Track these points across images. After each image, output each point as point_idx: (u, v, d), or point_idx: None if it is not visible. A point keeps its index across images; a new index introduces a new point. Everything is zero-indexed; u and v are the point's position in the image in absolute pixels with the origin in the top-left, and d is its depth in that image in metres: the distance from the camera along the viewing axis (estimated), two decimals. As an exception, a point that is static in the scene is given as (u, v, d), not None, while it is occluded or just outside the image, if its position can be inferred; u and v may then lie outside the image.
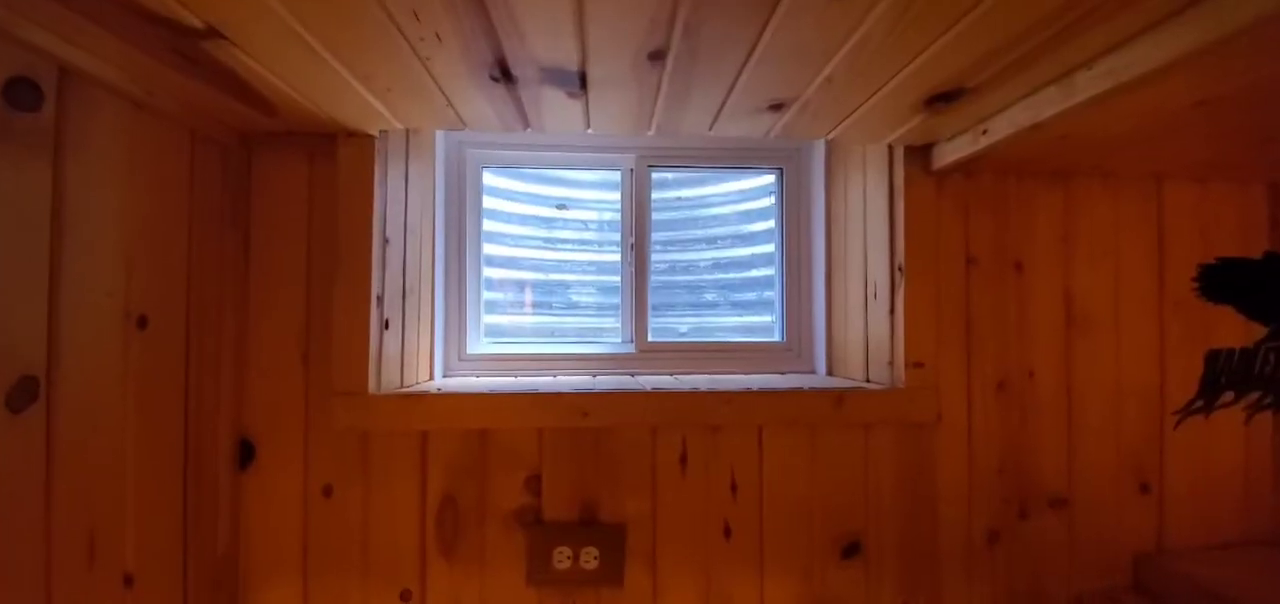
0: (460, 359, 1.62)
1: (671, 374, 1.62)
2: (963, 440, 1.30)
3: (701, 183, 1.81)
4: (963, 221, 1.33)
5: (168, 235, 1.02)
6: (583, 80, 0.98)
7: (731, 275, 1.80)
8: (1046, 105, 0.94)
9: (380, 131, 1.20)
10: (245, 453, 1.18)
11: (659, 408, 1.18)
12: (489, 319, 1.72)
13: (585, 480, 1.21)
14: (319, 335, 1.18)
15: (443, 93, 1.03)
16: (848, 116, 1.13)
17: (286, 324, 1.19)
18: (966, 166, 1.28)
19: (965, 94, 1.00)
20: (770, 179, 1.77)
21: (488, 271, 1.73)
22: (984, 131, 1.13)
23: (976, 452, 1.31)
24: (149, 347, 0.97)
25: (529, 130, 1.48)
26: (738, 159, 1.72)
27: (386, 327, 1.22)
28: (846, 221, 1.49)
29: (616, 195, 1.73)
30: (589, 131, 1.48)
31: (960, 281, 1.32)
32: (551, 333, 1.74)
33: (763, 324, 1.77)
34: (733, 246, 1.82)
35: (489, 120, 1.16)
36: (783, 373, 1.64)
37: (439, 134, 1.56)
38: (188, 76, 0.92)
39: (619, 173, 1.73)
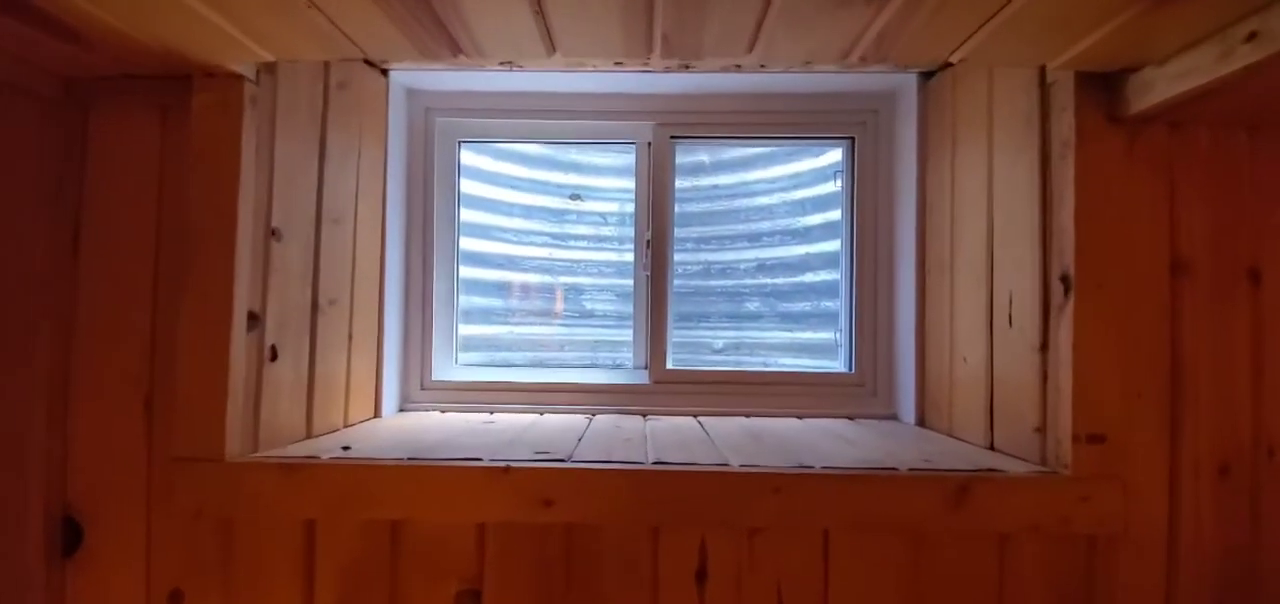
0: (424, 388, 1.20)
1: (695, 415, 1.15)
2: (1162, 559, 0.77)
3: (743, 167, 1.32)
4: (1166, 205, 0.78)
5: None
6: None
7: (780, 280, 1.30)
8: None
9: (257, 71, 0.77)
10: (70, 536, 0.78)
11: (665, 496, 0.71)
12: (480, 331, 1.29)
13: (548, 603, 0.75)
14: (167, 371, 0.77)
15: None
16: (999, 11, 0.62)
17: (125, 353, 0.78)
18: (1177, 113, 0.74)
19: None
20: (834, 157, 1.26)
21: (475, 273, 1.30)
22: (1251, 35, 0.59)
23: (1183, 578, 0.77)
24: None
25: (494, 69, 1.02)
26: (791, 126, 1.22)
27: (273, 356, 0.80)
28: (956, 206, 0.97)
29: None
30: (577, 73, 1.02)
31: (1162, 301, 0.78)
32: (561, 347, 1.30)
33: (820, 342, 1.26)
34: (782, 244, 1.32)
35: (399, 45, 0.72)
36: (851, 419, 1.13)
37: (396, 95, 1.14)
38: None
39: (633, 147, 1.26)
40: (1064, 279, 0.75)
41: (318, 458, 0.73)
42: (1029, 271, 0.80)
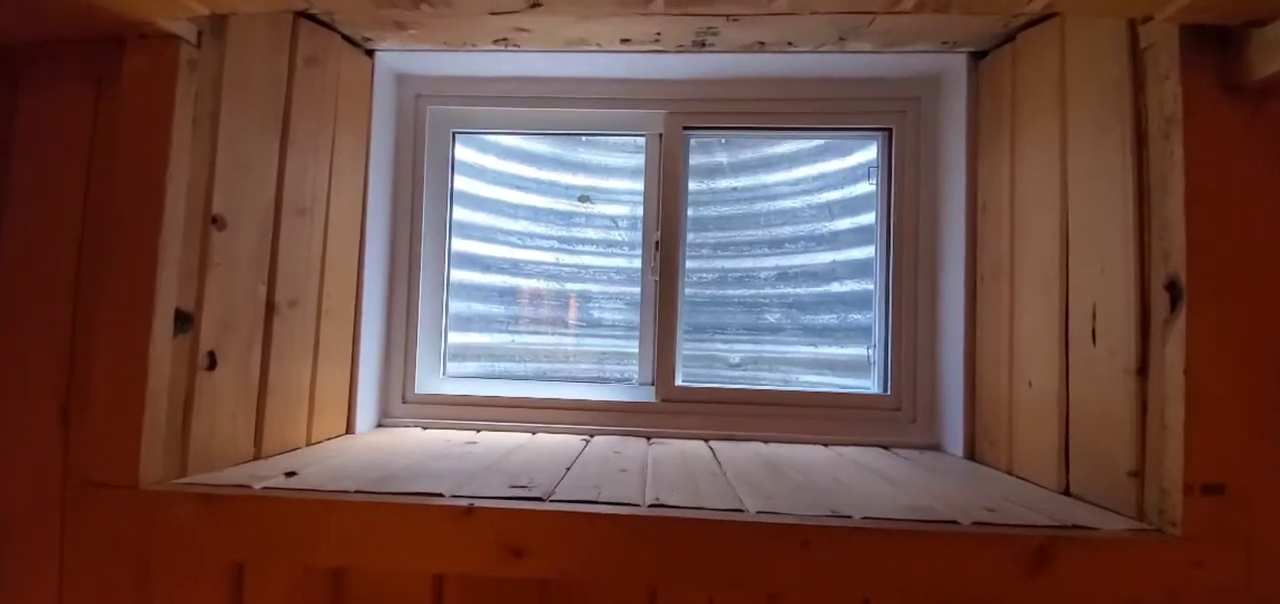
0: (406, 401, 1.07)
1: (707, 439, 1.00)
2: (1299, 644, 0.59)
3: (764, 168, 1.18)
4: (1299, 194, 0.62)
5: None
6: None
7: (803, 290, 1.16)
8: None
9: (199, 33, 0.66)
10: (-26, 567, 0.67)
11: (665, 547, 0.56)
12: (478, 339, 1.16)
13: (521, 672, 0.61)
14: (88, 377, 0.65)
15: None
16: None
17: (42, 355, 0.67)
18: (1317, 78, 0.58)
19: None
20: (864, 156, 1.11)
21: (474, 277, 1.18)
22: None
23: (1327, 667, 0.59)
24: None
25: (488, 48, 0.89)
26: (820, 116, 1.07)
27: (210, 364, 0.68)
28: (1018, 202, 0.81)
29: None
30: (582, 54, 0.87)
31: (1297, 315, 0.61)
32: (567, 358, 1.17)
33: (847, 358, 1.11)
34: (805, 251, 1.17)
35: (351, -9, 0.60)
36: (887, 448, 0.97)
37: (383, 79, 1.03)
38: None
39: (643, 140, 1.13)
40: (1171, 286, 0.59)
41: (248, 488, 0.60)
42: (1120, 278, 0.64)
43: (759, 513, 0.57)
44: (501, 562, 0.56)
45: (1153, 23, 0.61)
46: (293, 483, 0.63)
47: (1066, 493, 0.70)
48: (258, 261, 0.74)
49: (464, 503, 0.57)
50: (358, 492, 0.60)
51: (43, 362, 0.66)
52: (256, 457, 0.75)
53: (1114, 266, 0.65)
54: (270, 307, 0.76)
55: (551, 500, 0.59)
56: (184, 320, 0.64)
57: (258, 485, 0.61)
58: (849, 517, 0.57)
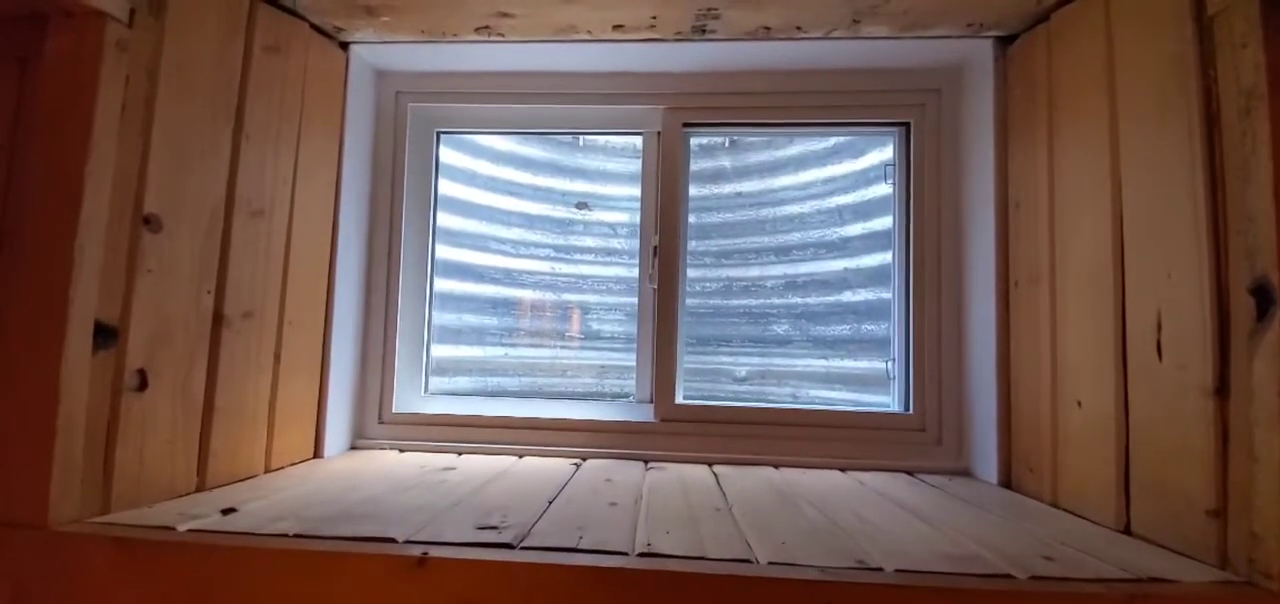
0: (382, 421, 0.98)
1: (710, 463, 0.90)
2: None
3: (771, 171, 1.10)
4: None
5: None
6: None
7: (813, 300, 1.07)
8: None
9: (130, 11, 0.58)
10: None
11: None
12: (470, 353, 1.08)
13: None
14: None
15: None
16: None
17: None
18: None
19: None
20: (879, 156, 1.03)
21: (466, 288, 1.10)
22: None
23: None
24: None
25: (470, 39, 0.81)
26: (830, 110, 0.99)
27: (140, 384, 0.59)
28: (1059, 199, 0.72)
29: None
30: (573, 44, 0.77)
31: None
32: (564, 372, 1.08)
33: (862, 372, 1.02)
34: (815, 258, 1.09)
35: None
36: (911, 474, 0.87)
37: (360, 74, 0.95)
38: None
39: (637, 142, 1.05)
40: (1259, 290, 0.49)
41: (172, 529, 0.51)
42: (1192, 282, 0.54)
43: (771, 564, 0.48)
44: (462, 622, 0.46)
45: (1228, -19, 0.52)
46: (227, 523, 0.54)
47: (1127, 532, 0.60)
48: (202, 267, 0.66)
49: (417, 551, 0.48)
50: (297, 535, 0.51)
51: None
52: (200, 487, 0.66)
53: (1183, 269, 0.55)
54: (218, 317, 0.68)
55: (522, 547, 0.49)
56: (106, 335, 0.56)
57: (183, 526, 0.52)
58: (879, 569, 0.47)
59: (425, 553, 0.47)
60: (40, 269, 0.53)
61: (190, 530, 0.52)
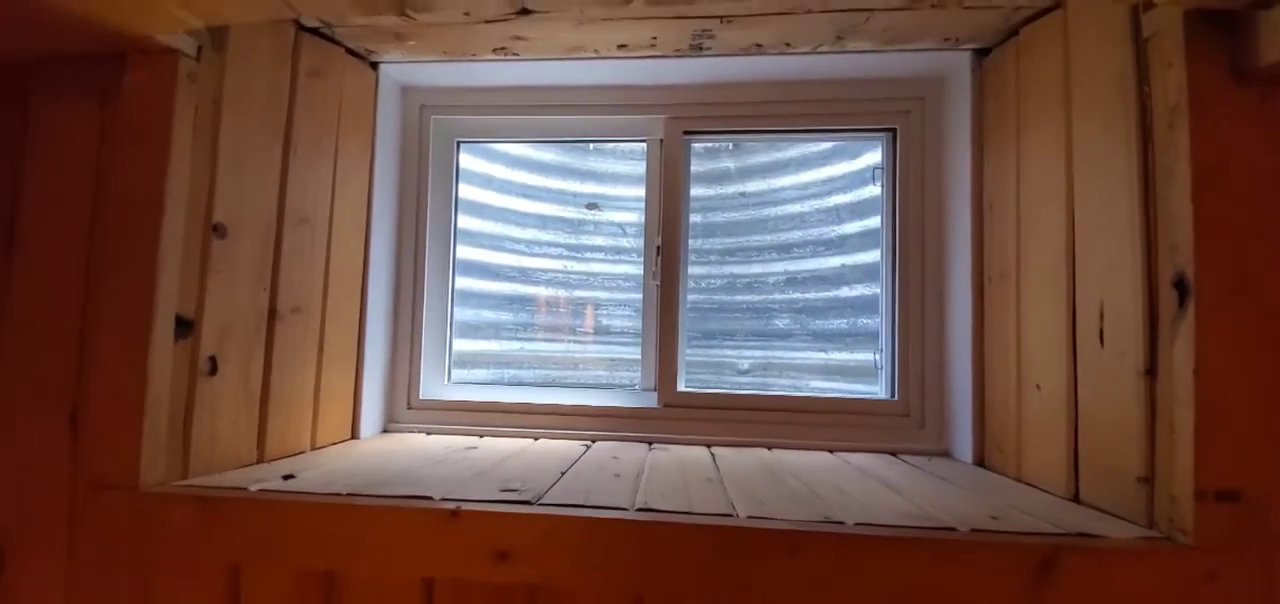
0: (411, 406, 1.08)
1: (708, 444, 0.99)
2: (1328, 662, 0.56)
3: (773, 172, 1.18)
4: (1317, 185, 0.59)
5: None
6: None
7: (812, 296, 1.15)
8: None
9: (198, 47, 0.68)
10: (-13, 566, 0.69)
11: (653, 554, 0.55)
12: (489, 347, 1.17)
13: (509, 679, 0.60)
14: (90, 383, 0.67)
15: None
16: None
17: (53, 360, 0.69)
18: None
19: None
20: (872, 158, 1.10)
21: (485, 285, 1.19)
22: None
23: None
24: None
25: (489, 58, 0.90)
26: (821, 117, 1.06)
27: (211, 369, 0.69)
28: (1025, 200, 0.79)
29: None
30: (581, 61, 0.87)
31: (1318, 313, 0.58)
32: (576, 366, 1.17)
33: (858, 364, 1.09)
34: (814, 255, 1.16)
35: (335, 3, 0.61)
36: (894, 455, 0.95)
37: (388, 90, 1.05)
38: None
39: (644, 146, 1.13)
40: (1179, 283, 0.57)
41: (244, 490, 0.61)
42: (1128, 275, 0.62)
43: (749, 518, 0.56)
44: (488, 566, 0.56)
45: (1156, 9, 0.59)
46: (289, 486, 0.64)
47: (1076, 500, 0.67)
48: (260, 269, 0.76)
49: (451, 506, 0.57)
50: (350, 494, 0.61)
51: (54, 367, 0.68)
52: (259, 460, 0.76)
53: (1121, 264, 0.62)
54: (272, 313, 0.78)
55: (538, 505, 0.58)
56: (184, 326, 0.66)
57: (253, 487, 0.62)
58: (841, 523, 0.55)
59: (458, 507, 0.56)
60: (130, 271, 0.63)
61: (260, 491, 0.62)
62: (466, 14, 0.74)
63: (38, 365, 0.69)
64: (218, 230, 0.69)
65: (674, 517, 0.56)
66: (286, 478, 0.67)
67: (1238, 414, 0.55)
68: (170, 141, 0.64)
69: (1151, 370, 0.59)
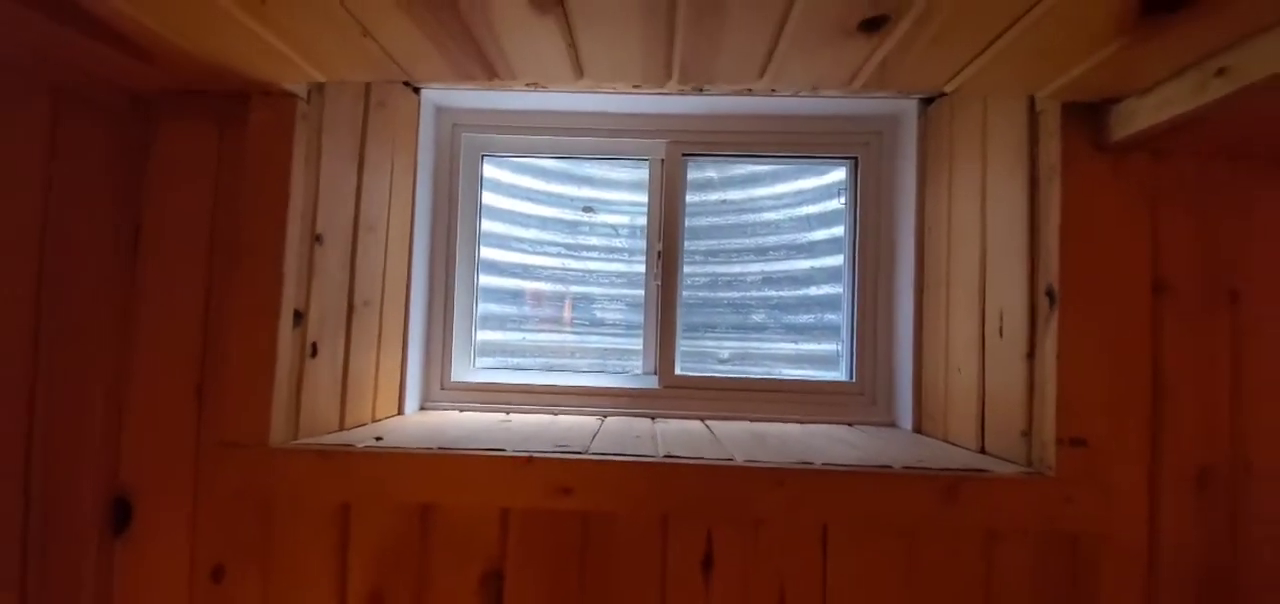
0: (443, 388, 1.25)
1: (702, 418, 1.19)
2: (1143, 562, 0.81)
3: (751, 183, 1.37)
4: (1148, 227, 0.83)
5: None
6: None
7: (785, 294, 1.35)
8: None
9: (308, 90, 0.84)
10: (120, 514, 0.84)
11: (674, 487, 0.76)
12: (494, 336, 1.34)
13: (565, 586, 0.80)
14: (218, 362, 0.83)
15: (355, 18, 0.66)
16: (991, 44, 0.68)
17: (179, 345, 0.84)
18: (1159, 141, 0.79)
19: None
20: (838, 175, 1.31)
21: (491, 280, 1.36)
22: (1220, 71, 0.65)
23: (1164, 580, 0.81)
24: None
25: (521, 90, 1.08)
26: (797, 145, 1.28)
27: (313, 352, 0.86)
28: (953, 225, 1.02)
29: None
30: (595, 94, 1.07)
31: (1144, 317, 0.82)
32: (572, 354, 1.35)
33: (823, 353, 1.31)
34: (787, 258, 1.36)
35: (437, 66, 0.78)
36: (851, 425, 1.17)
37: (426, 112, 1.21)
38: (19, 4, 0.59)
39: (647, 164, 1.32)
40: (1049, 293, 0.80)
41: (353, 446, 0.79)
42: (1019, 286, 0.85)
43: (746, 462, 0.77)
44: (555, 498, 0.75)
45: (1043, 95, 0.82)
46: (383, 445, 0.81)
47: (982, 451, 0.90)
48: (342, 270, 0.92)
49: (525, 454, 0.76)
50: (440, 448, 0.79)
51: (181, 349, 0.84)
52: (340, 428, 0.93)
53: (1015, 278, 0.85)
54: (351, 307, 0.94)
55: (590, 454, 0.78)
56: (298, 318, 0.82)
57: (359, 445, 0.79)
58: (812, 463, 0.77)
59: (531, 456, 0.75)
60: (259, 273, 0.79)
61: (365, 447, 0.79)
62: (535, 84, 0.91)
63: (166, 348, 0.84)
64: (319, 239, 0.86)
65: (690, 459, 0.77)
66: (377, 439, 0.84)
67: (1087, 385, 0.78)
68: (290, 169, 0.80)
69: (1031, 354, 0.82)
